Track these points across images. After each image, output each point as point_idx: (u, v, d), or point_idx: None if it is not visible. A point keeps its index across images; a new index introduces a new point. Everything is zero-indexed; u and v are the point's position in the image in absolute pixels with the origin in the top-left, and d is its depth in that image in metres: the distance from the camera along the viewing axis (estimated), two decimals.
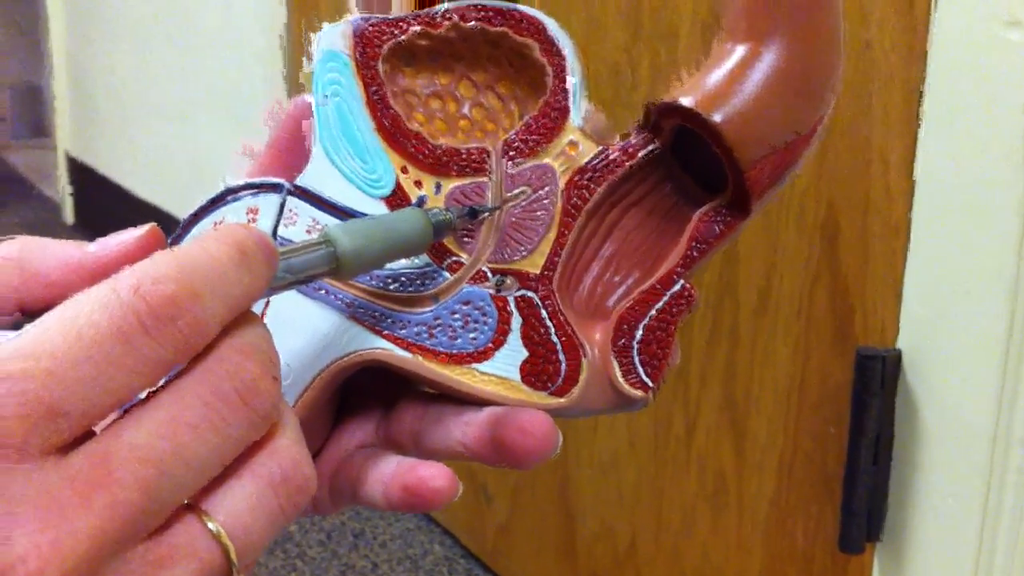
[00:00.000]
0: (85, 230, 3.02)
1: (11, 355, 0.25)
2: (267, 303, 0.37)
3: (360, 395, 0.40)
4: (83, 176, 3.00)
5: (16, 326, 0.29)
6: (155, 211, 2.43)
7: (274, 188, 0.38)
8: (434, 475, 0.35)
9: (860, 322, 0.87)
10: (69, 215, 3.14)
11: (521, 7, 0.39)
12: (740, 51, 0.37)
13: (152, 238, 0.31)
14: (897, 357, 0.84)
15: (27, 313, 0.30)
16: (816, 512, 0.93)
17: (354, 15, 0.40)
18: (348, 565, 1.47)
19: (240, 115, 1.96)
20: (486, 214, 0.38)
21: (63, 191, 3.14)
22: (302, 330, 0.36)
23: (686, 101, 0.36)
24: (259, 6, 1.81)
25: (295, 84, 1.76)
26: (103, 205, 2.88)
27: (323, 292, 0.37)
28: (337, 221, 0.38)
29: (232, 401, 0.27)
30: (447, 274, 0.38)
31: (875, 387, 0.84)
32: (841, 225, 0.88)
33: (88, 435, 0.26)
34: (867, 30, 0.82)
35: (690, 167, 0.39)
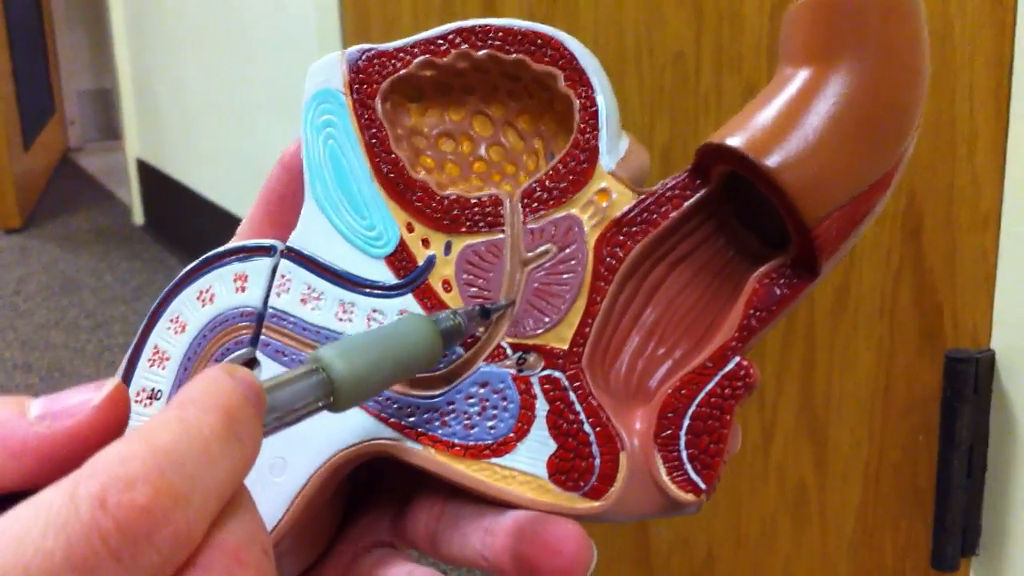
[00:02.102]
0: (154, 231, 3.05)
1: None
2: None
3: (374, 485, 0.35)
4: (151, 178, 3.02)
5: None
6: (220, 211, 2.43)
7: (264, 251, 0.33)
8: None
9: (949, 322, 0.81)
10: (139, 216, 3.16)
11: (540, 27, 0.33)
12: (801, 77, 0.30)
13: (115, 405, 0.24)
14: (990, 359, 0.78)
15: None
16: (906, 526, 0.86)
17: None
18: None
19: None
20: (500, 312, 0.32)
21: (133, 193, 3.17)
22: None
23: (733, 142, 0.29)
24: (313, 10, 1.78)
25: None
26: (171, 206, 2.90)
27: None
28: (332, 287, 0.33)
29: None
30: (460, 350, 0.32)
31: (967, 392, 0.78)
32: (924, 216, 0.81)
33: None
34: (947, 1, 0.75)
35: (749, 214, 0.32)
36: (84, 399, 0.24)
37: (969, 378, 0.77)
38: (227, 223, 2.39)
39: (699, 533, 1.08)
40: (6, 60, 3.34)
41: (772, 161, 0.29)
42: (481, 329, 0.32)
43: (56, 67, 4.23)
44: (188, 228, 2.76)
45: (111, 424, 0.24)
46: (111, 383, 0.24)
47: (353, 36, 1.68)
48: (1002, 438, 0.78)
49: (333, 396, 0.27)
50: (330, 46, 1.73)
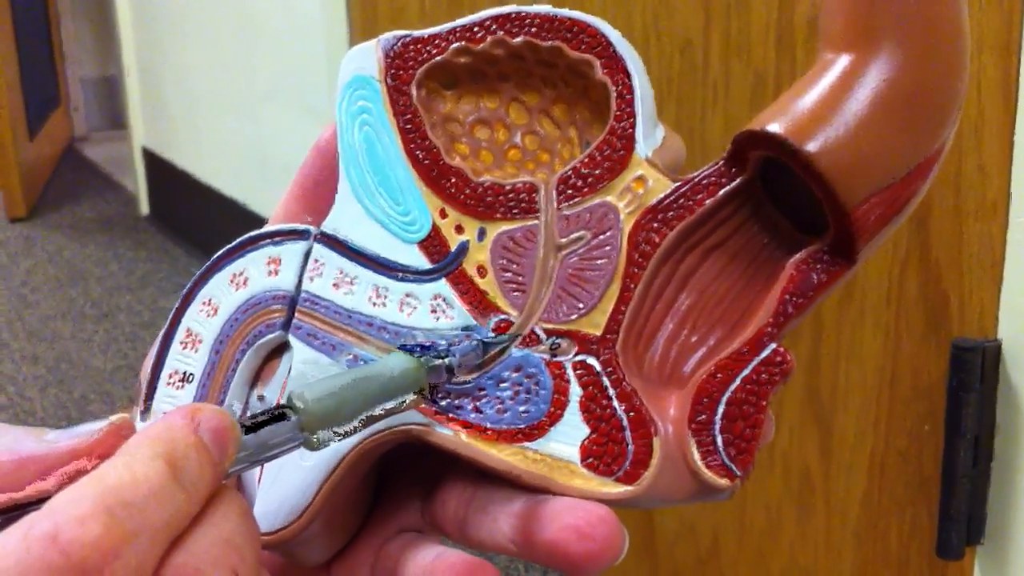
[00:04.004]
0: (159, 220, 3.04)
1: None
2: (289, 371, 0.33)
3: (405, 471, 0.35)
4: (157, 167, 3.02)
5: None
6: (225, 200, 2.43)
7: (298, 235, 0.34)
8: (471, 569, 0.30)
9: (955, 310, 0.81)
10: (144, 206, 3.16)
11: (577, 15, 0.33)
12: (841, 63, 0.30)
13: (116, 434, 0.26)
14: (997, 348, 0.78)
15: None
16: (911, 515, 0.87)
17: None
18: None
19: (307, 105, 1.94)
20: (500, 348, 0.32)
21: (139, 183, 3.17)
22: None
23: (773, 127, 0.29)
24: None
25: None
26: (176, 196, 2.90)
27: (351, 357, 0.32)
28: (365, 271, 0.33)
29: None
30: (494, 335, 0.32)
31: (973, 381, 0.78)
32: (931, 204, 0.81)
33: None
34: None
35: (784, 201, 0.32)
36: (89, 428, 0.26)
37: (975, 367, 0.77)
38: (233, 212, 2.39)
39: (704, 521, 1.09)
40: (12, 49, 3.34)
41: (812, 146, 0.29)
42: (479, 362, 0.32)
43: (61, 56, 4.22)
44: (193, 217, 2.76)
45: (107, 449, 0.26)
46: (115, 417, 0.27)
47: (360, 25, 1.68)
48: (1008, 427, 0.78)
49: (306, 439, 0.27)
50: (337, 35, 1.73)
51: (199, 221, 2.71)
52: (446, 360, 0.30)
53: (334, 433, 0.28)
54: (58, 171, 3.82)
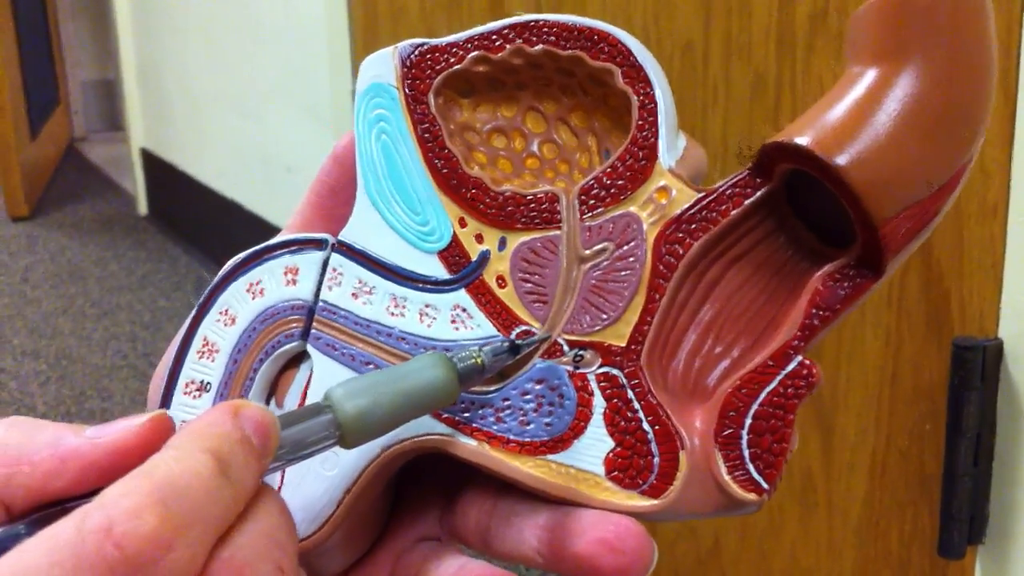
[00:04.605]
0: (158, 220, 3.04)
1: None
2: (308, 382, 0.33)
3: (422, 480, 0.35)
4: (156, 168, 3.02)
5: None
6: (223, 200, 2.43)
7: (316, 244, 0.33)
8: None
9: (956, 310, 0.81)
10: (143, 206, 3.16)
11: (597, 23, 0.33)
12: (870, 76, 0.30)
13: (155, 428, 0.26)
14: (998, 347, 0.78)
15: (12, 513, 0.26)
16: (912, 514, 0.87)
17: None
18: None
19: (308, 105, 1.94)
20: (531, 348, 0.31)
21: (137, 183, 3.17)
22: None
23: (802, 140, 0.29)
24: None
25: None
26: (175, 196, 2.90)
27: (371, 366, 0.32)
28: (384, 281, 0.33)
29: None
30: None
31: (974, 380, 0.78)
32: None
33: None
34: None
35: (807, 213, 0.32)
36: (129, 423, 0.26)
37: (976, 366, 0.78)
38: (230, 212, 2.39)
39: (705, 522, 1.09)
40: (14, 50, 3.34)
41: (842, 159, 0.29)
42: (511, 362, 0.32)
43: (60, 57, 4.22)
44: (191, 217, 2.76)
45: (149, 444, 0.25)
46: (155, 412, 0.27)
47: (361, 24, 1.68)
48: (1009, 426, 0.78)
49: (340, 435, 0.28)
50: (338, 35, 1.73)
51: (197, 221, 2.71)
52: (478, 359, 0.30)
53: (368, 432, 0.28)
54: (59, 171, 3.82)
